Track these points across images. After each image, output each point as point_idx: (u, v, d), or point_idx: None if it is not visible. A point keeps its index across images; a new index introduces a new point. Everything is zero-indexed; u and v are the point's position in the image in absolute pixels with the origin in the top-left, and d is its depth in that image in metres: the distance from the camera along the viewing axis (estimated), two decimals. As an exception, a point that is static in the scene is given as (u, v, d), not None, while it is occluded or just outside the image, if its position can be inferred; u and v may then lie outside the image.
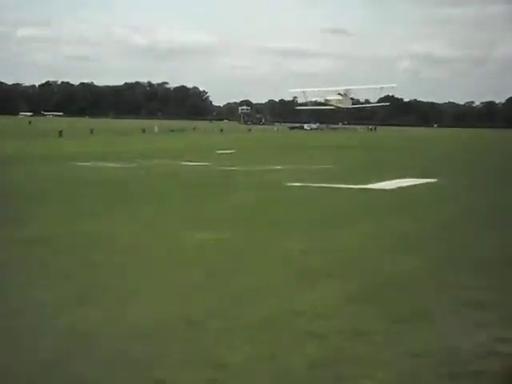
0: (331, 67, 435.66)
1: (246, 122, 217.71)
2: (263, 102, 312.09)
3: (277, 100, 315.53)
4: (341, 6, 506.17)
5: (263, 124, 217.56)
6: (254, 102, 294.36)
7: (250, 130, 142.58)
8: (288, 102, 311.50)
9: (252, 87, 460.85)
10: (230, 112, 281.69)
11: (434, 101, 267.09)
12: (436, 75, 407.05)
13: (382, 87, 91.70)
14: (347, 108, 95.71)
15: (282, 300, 8.73)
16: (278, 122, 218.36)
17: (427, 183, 25.79)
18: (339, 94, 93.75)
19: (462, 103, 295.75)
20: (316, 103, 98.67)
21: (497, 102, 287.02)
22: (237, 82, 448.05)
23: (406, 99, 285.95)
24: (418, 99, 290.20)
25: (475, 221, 16.23)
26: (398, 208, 18.34)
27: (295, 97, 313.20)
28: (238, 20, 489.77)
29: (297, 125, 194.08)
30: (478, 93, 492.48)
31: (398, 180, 26.47)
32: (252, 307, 8.40)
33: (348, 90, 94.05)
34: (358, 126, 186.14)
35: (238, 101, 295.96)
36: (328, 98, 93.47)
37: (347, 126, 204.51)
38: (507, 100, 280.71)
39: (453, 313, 8.32)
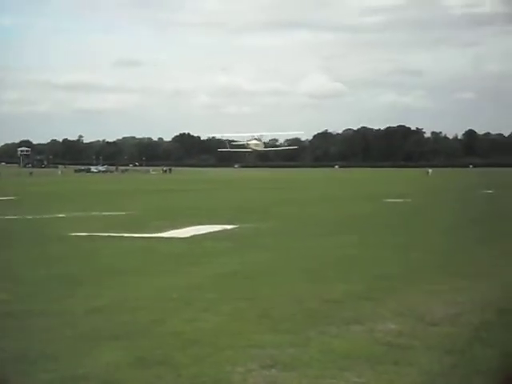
0: (124, 102, 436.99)
1: (25, 165, 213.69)
2: (45, 142, 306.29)
3: (60, 140, 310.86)
4: (132, 35, 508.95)
5: (45, 167, 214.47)
6: (34, 142, 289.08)
7: (31, 174, 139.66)
8: (73, 141, 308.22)
9: (33, 126, 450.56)
10: (7, 154, 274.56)
11: (236, 138, 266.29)
12: (238, 111, 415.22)
13: (289, 134, 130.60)
14: (262, 150, 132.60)
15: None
16: (62, 164, 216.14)
17: (225, 230, 26.09)
18: (255, 138, 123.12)
19: (267, 141, 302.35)
20: (236, 146, 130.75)
21: (303, 139, 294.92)
22: (15, 120, 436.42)
23: (204, 137, 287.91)
24: (218, 137, 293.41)
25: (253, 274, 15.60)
26: (185, 258, 18.22)
27: (81, 136, 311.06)
28: (17, 49, 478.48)
29: (83, 167, 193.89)
30: (283, 129, 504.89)
31: (195, 227, 26.67)
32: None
33: (262, 135, 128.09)
34: (150, 168, 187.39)
35: (16, 141, 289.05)
36: (248, 142, 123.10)
37: (138, 168, 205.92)
38: (314, 137, 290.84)
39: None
